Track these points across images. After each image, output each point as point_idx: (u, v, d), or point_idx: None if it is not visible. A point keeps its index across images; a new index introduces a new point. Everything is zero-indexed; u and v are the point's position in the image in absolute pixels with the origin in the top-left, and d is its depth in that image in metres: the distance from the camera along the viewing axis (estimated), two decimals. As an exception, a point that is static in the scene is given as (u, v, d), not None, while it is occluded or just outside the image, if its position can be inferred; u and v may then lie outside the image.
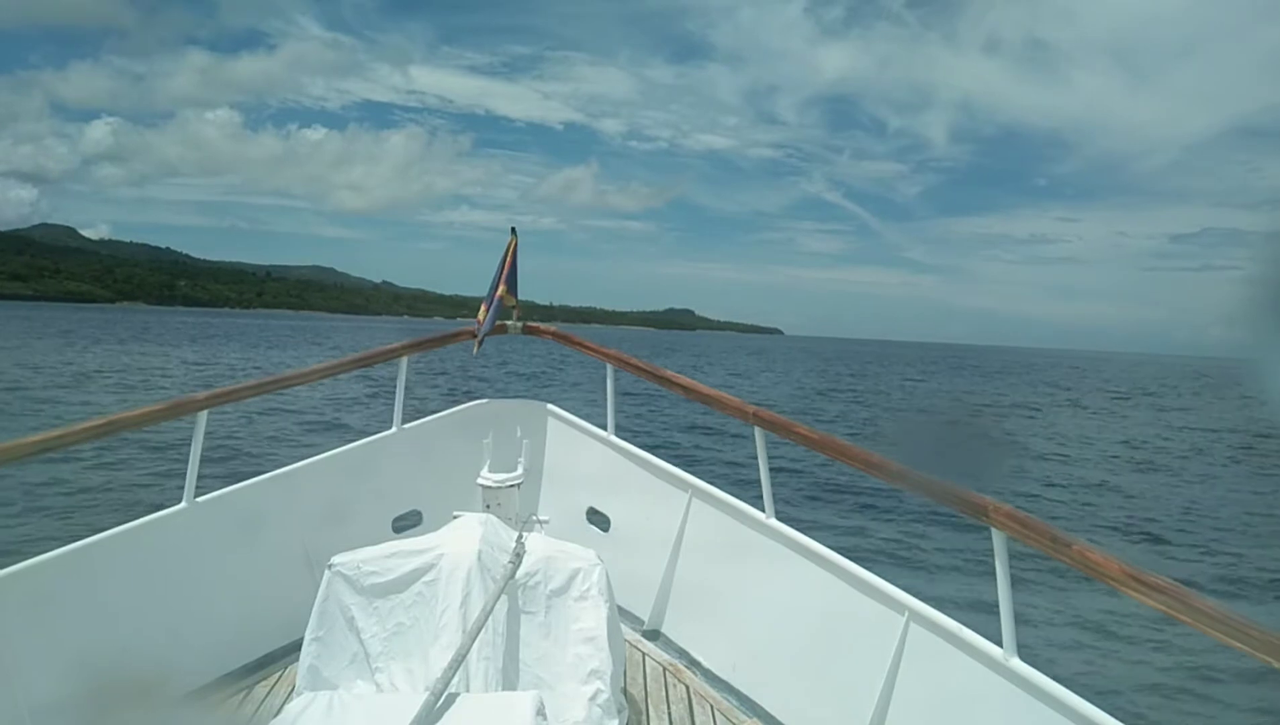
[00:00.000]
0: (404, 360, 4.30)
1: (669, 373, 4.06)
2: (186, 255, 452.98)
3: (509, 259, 4.20)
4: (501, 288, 4.14)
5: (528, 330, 4.43)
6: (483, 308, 4.17)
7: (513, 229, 4.27)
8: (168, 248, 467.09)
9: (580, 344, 4.51)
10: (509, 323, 4.37)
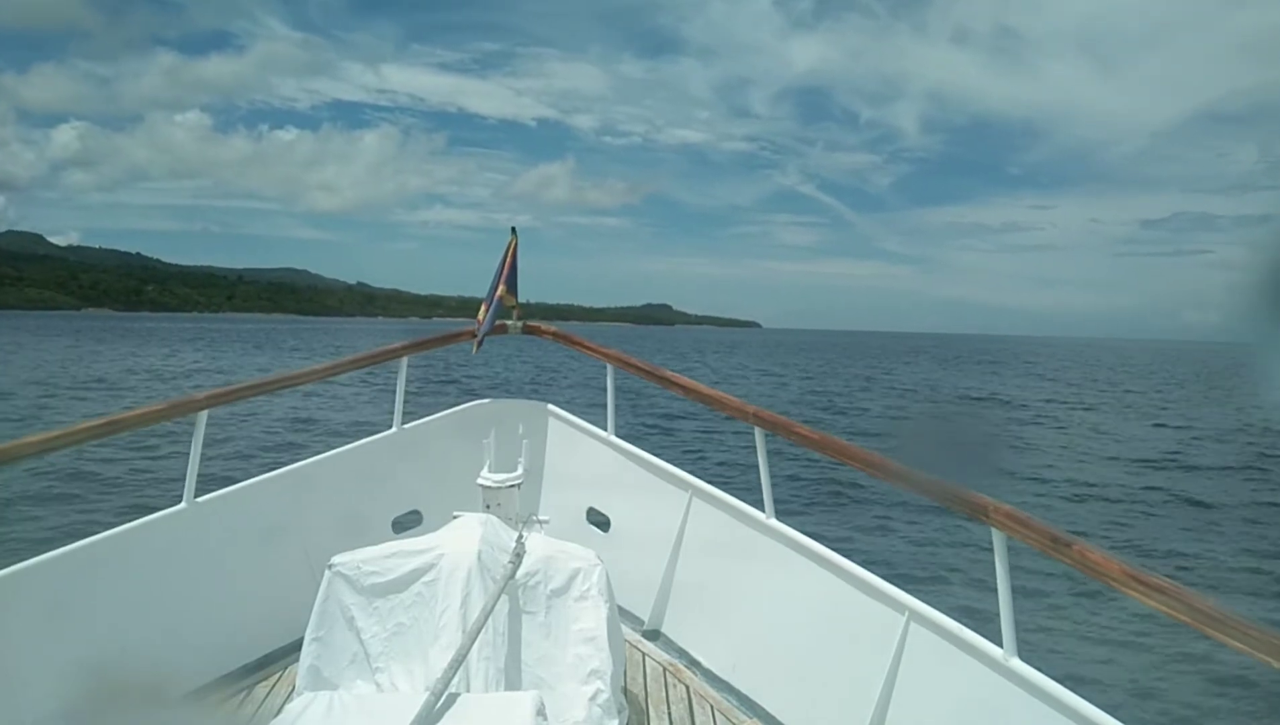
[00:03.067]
0: (404, 360, 4.31)
1: (669, 373, 4.06)
2: (157, 260, 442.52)
3: (509, 259, 4.20)
4: (501, 288, 4.14)
5: (528, 330, 4.43)
6: (483, 307, 4.17)
7: (513, 229, 4.28)
8: (137, 253, 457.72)
9: (580, 344, 4.52)
10: (509, 322, 4.38)
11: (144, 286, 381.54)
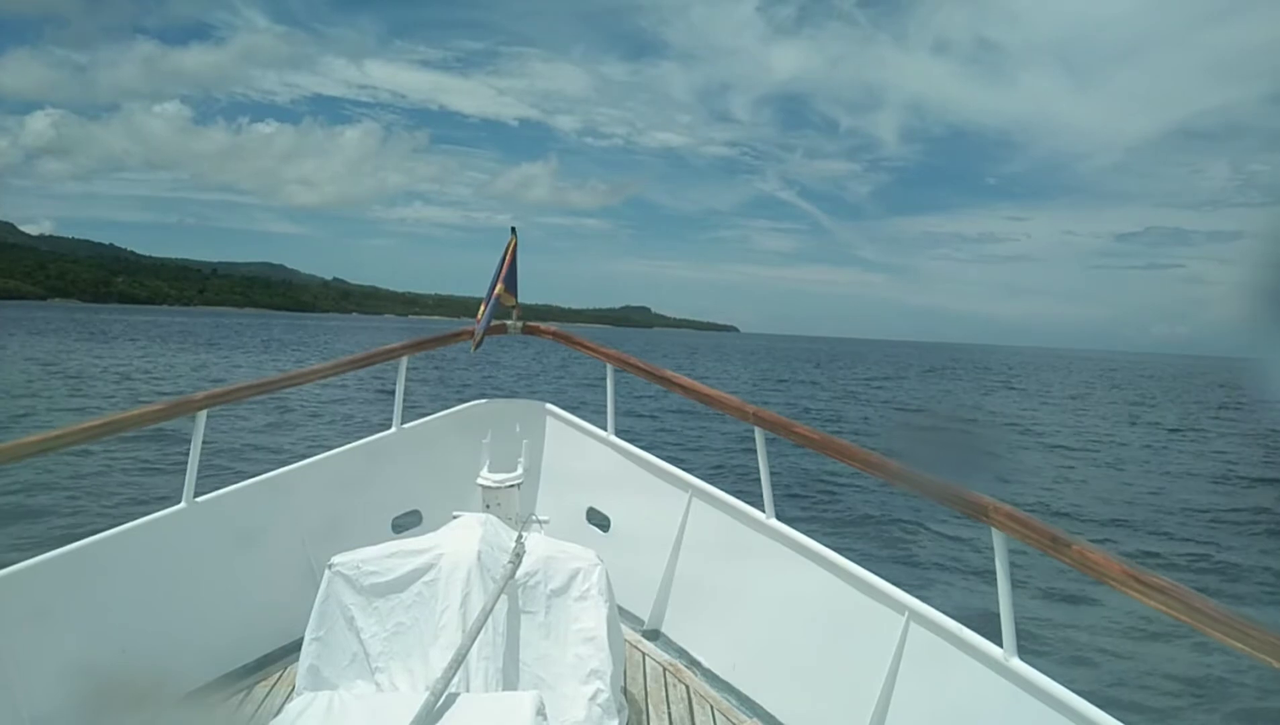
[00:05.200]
0: (403, 360, 4.30)
1: (669, 373, 4.06)
2: (131, 251, 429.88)
3: (508, 258, 4.19)
4: (500, 287, 4.14)
5: (527, 330, 4.43)
6: (482, 307, 4.17)
7: (513, 229, 4.27)
8: (110, 244, 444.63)
9: (580, 344, 4.51)
10: (508, 322, 4.37)
11: (113, 278, 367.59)
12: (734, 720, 3.26)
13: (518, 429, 3.91)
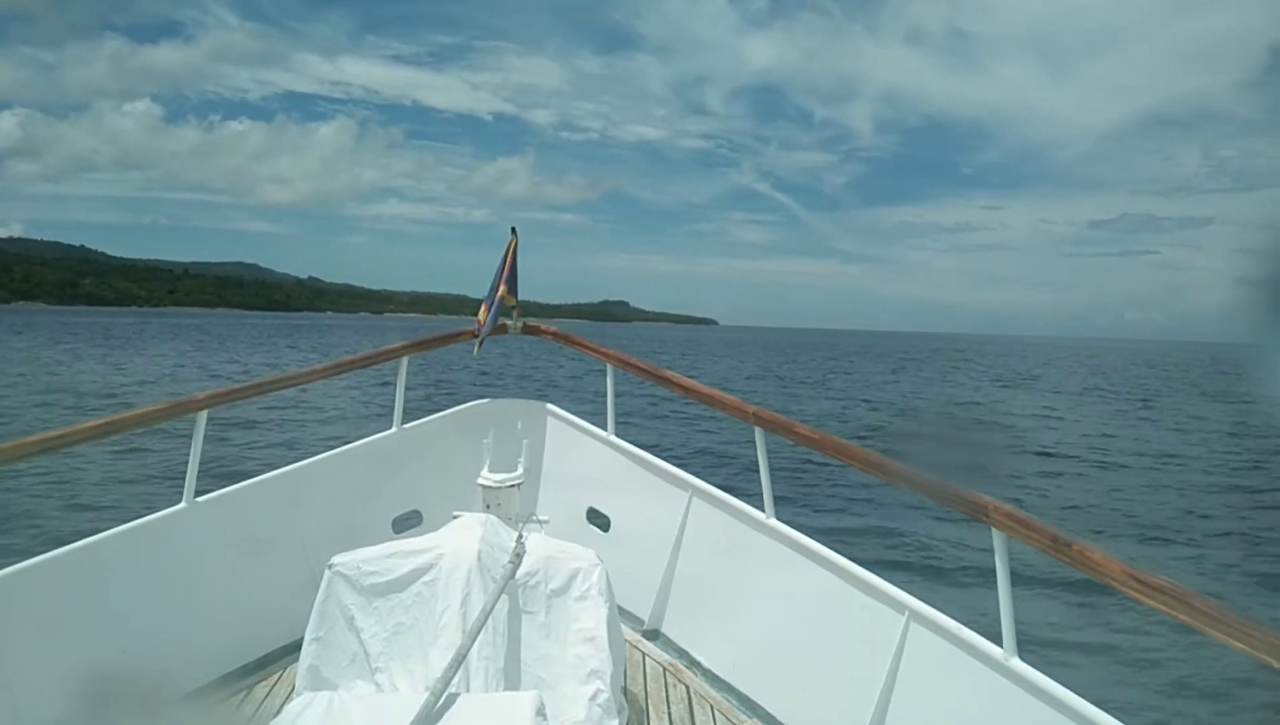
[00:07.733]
0: (404, 360, 4.31)
1: (669, 372, 4.06)
2: (102, 253, 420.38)
3: (509, 258, 4.19)
4: (502, 288, 4.14)
5: (528, 330, 4.43)
6: (483, 307, 4.17)
7: (513, 229, 4.27)
8: (81, 246, 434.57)
9: (580, 344, 4.51)
10: (509, 322, 4.38)
11: (80, 280, 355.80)
12: (734, 720, 3.26)
13: (518, 429, 3.91)
